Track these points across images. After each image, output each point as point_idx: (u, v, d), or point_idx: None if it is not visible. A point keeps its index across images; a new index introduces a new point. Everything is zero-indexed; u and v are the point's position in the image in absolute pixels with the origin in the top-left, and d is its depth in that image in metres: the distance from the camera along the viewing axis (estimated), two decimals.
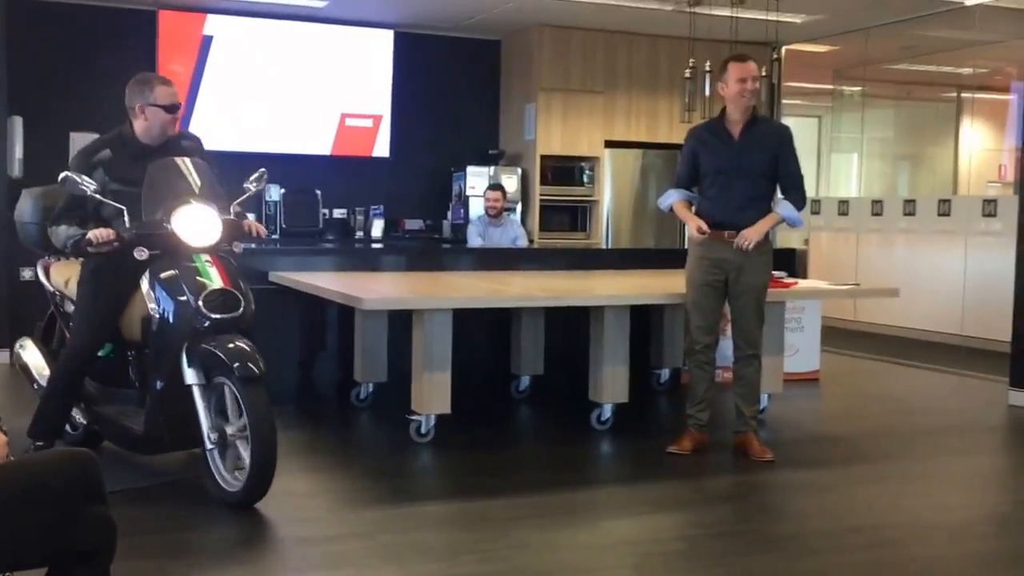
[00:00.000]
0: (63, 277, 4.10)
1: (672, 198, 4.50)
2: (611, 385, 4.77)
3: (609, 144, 8.78)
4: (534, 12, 7.95)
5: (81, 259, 3.83)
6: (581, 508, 3.76)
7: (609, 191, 8.86)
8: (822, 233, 9.61)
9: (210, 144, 8.13)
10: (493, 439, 4.83)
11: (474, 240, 7.24)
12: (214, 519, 3.49)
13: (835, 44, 9.44)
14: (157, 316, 3.54)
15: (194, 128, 7.72)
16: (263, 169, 3.89)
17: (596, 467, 4.54)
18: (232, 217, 3.70)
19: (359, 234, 8.25)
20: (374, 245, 8.03)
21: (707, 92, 7.30)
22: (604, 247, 8.70)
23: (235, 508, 3.48)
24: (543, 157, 8.57)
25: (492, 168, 8.50)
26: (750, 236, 4.28)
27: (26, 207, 4.22)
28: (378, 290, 4.86)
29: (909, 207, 8.85)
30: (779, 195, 4.46)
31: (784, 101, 9.71)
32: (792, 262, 6.24)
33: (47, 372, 4.10)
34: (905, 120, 11.65)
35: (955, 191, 10.07)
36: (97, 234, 3.56)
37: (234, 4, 7.66)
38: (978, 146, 11.67)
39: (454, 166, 8.58)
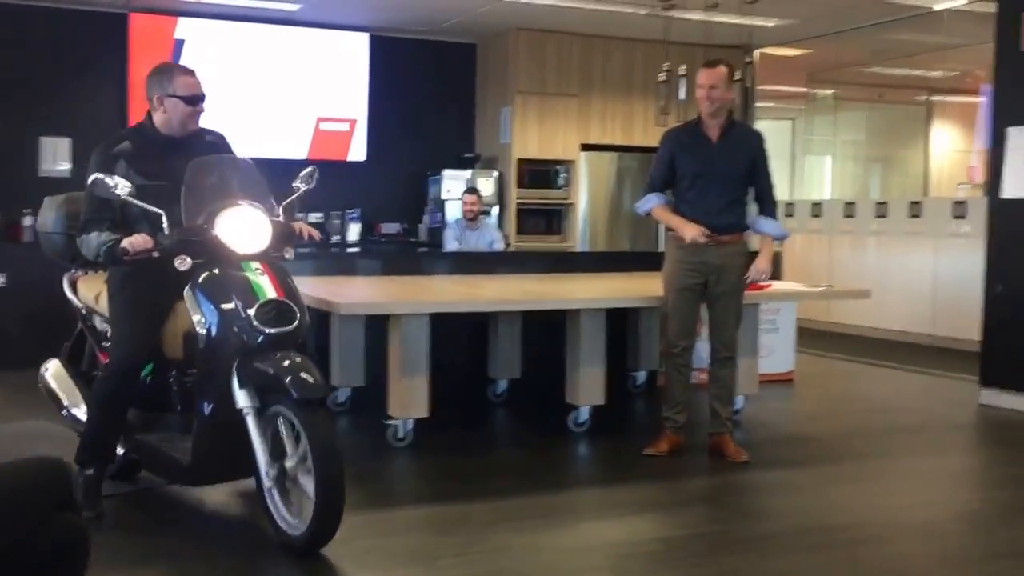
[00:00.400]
0: (93, 291, 3.69)
1: (652, 203, 4.51)
2: (588, 388, 4.79)
3: (585, 147, 8.81)
4: (510, 16, 7.97)
5: (111, 269, 3.47)
6: (559, 510, 3.77)
7: (585, 194, 8.89)
8: (795, 235, 9.68)
9: None
10: (471, 443, 4.83)
11: (450, 244, 7.24)
12: (188, 526, 3.48)
13: (808, 48, 9.53)
14: (203, 331, 3.13)
15: None
16: (313, 167, 3.57)
17: (573, 469, 4.55)
18: (281, 219, 3.32)
19: (335, 238, 8.23)
20: (350, 249, 8.01)
21: (682, 95, 7.34)
22: (580, 250, 8.73)
23: (298, 553, 3.09)
24: (519, 160, 8.59)
25: (468, 171, 8.50)
26: (765, 267, 4.44)
27: (49, 216, 3.83)
28: (354, 294, 4.85)
29: (881, 209, 8.95)
30: (754, 213, 4.49)
31: (758, 104, 9.79)
32: None
33: (76, 396, 3.73)
34: (877, 123, 11.79)
35: (926, 193, 10.20)
36: (133, 242, 3.17)
37: (206, 7, 7.61)
38: (948, 148, 11.82)
39: (430, 169, 8.57)
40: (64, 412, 3.77)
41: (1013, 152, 5.71)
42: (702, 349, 4.67)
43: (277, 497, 3.11)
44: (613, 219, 9.02)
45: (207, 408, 3.14)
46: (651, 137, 7.77)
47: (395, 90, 8.54)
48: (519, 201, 8.63)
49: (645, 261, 6.02)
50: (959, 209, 8.20)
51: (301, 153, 8.16)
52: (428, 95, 8.76)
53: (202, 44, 7.76)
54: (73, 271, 3.91)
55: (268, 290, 3.11)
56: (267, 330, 3.05)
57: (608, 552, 3.29)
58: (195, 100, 3.44)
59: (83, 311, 3.82)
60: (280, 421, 3.07)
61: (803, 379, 6.48)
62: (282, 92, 8.07)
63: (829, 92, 11.16)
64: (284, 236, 3.31)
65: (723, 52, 7.06)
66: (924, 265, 8.42)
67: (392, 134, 8.48)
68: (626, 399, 5.77)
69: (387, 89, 8.47)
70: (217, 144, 3.54)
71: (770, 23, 8.16)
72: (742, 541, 3.44)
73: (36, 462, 2.16)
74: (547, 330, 5.16)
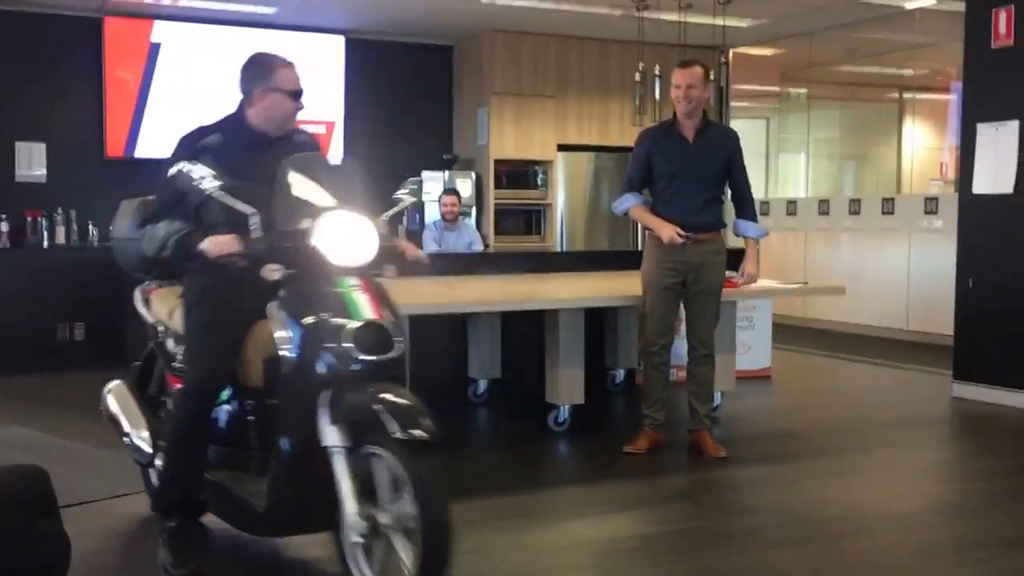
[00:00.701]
0: (167, 306, 3.27)
1: (629, 203, 4.53)
2: (567, 387, 4.80)
3: (562, 147, 8.83)
4: (486, 17, 7.98)
5: (183, 275, 3.05)
6: (539, 509, 3.77)
7: (563, 194, 8.91)
8: (771, 233, 9.76)
9: (163, 153, 8.01)
10: (451, 443, 4.81)
11: (429, 245, 7.23)
12: None
13: (781, 47, 9.61)
14: (289, 355, 2.67)
15: (144, 137, 7.61)
16: (419, 178, 3.32)
17: (554, 468, 4.57)
18: (385, 233, 2.90)
19: None
20: None
21: (657, 95, 7.38)
22: (559, 250, 8.75)
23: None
24: (496, 161, 8.60)
25: (446, 173, 8.50)
26: (754, 271, 4.52)
27: (125, 222, 3.43)
28: None
29: (854, 206, 9.03)
30: (735, 217, 4.52)
31: (732, 103, 9.85)
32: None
33: (140, 421, 3.34)
34: (850, 121, 11.88)
35: (898, 190, 10.28)
36: (218, 243, 2.74)
37: (182, 10, 7.56)
38: (920, 145, 11.93)
39: (408, 171, 8.55)
40: (126, 439, 3.36)
41: (983, 148, 5.78)
42: (680, 346, 4.70)
43: (361, 557, 2.59)
44: (591, 218, 9.05)
45: (288, 445, 2.67)
46: (627, 137, 7.80)
47: (372, 92, 8.53)
48: (497, 202, 8.64)
49: (623, 260, 6.04)
50: (931, 205, 8.29)
51: None
52: (405, 97, 8.75)
53: (178, 47, 7.72)
54: (147, 284, 3.48)
55: (367, 310, 2.65)
56: (364, 357, 2.57)
57: (589, 549, 3.30)
58: (298, 95, 3.11)
59: (156, 328, 3.38)
60: (378, 461, 2.57)
61: (780, 375, 6.53)
62: None
63: (803, 91, 11.24)
64: (385, 253, 2.87)
65: (697, 52, 7.11)
66: (897, 261, 8.50)
67: (369, 136, 8.46)
68: (605, 397, 5.79)
69: (364, 91, 8.45)
70: (308, 144, 3.20)
71: (744, 23, 8.22)
72: (722, 536, 3.46)
73: (16, 470, 2.15)
74: (526, 330, 5.17)
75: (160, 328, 3.34)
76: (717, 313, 4.52)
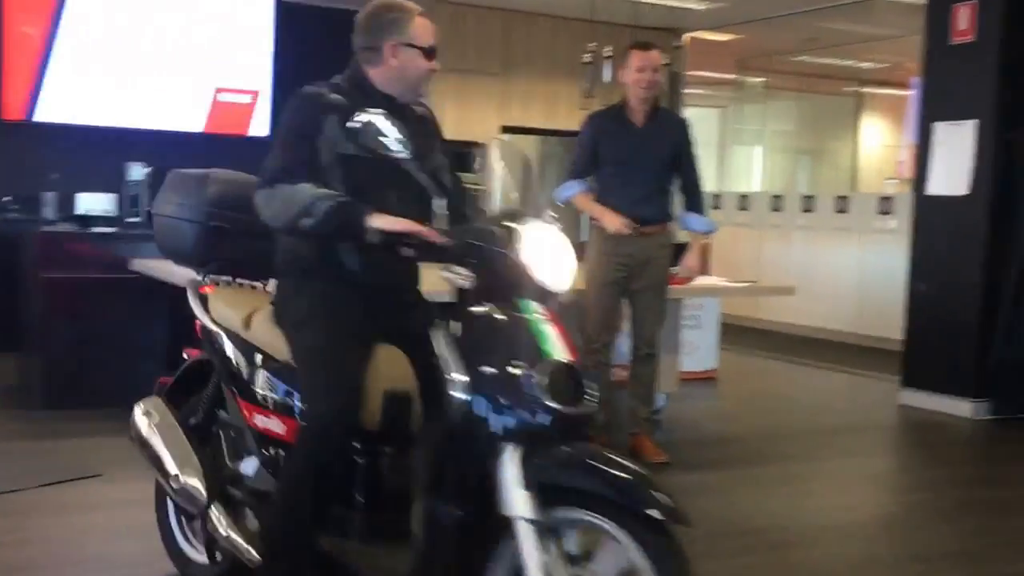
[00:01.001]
0: (239, 311, 2.73)
1: (573, 190, 4.53)
2: None
3: (505, 129, 8.83)
4: None
5: (294, 282, 2.56)
6: None
7: (503, 180, 8.90)
8: (722, 228, 9.88)
9: (67, 118, 7.78)
10: None
11: None
12: (68, 535, 3.38)
13: (738, 33, 9.73)
14: (459, 396, 2.20)
15: (46, 98, 7.40)
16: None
17: None
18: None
19: None
20: None
21: (607, 77, 7.42)
22: None
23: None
24: None
25: None
26: (695, 265, 4.59)
27: (176, 197, 2.94)
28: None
29: (808, 203, 9.20)
30: (682, 209, 4.57)
31: (686, 91, 9.94)
32: None
33: (192, 460, 2.75)
34: (806, 113, 12.09)
35: (854, 187, 10.50)
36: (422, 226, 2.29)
37: None
38: (878, 142, 12.20)
39: None
40: (172, 483, 2.74)
41: (939, 148, 5.92)
42: (622, 344, 4.74)
43: None
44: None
45: (450, 514, 2.21)
46: (575, 120, 7.83)
47: (303, 61, 8.36)
48: None
49: None
50: (885, 205, 8.48)
51: (199, 126, 7.97)
52: (338, 68, 8.56)
53: (86, 1, 7.50)
54: (201, 278, 2.92)
55: (558, 349, 2.18)
56: (560, 408, 2.12)
57: None
58: (434, 53, 2.66)
59: (219, 338, 2.78)
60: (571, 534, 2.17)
61: (726, 377, 6.63)
62: (177, 59, 7.86)
63: (759, 80, 11.39)
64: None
65: (652, 34, 7.17)
66: (849, 261, 8.69)
67: None
68: None
69: (294, 60, 8.32)
70: (427, 118, 2.82)
71: (701, 6, 8.30)
72: None
73: None
74: None
75: (223, 338, 2.77)
76: (663, 311, 4.57)
